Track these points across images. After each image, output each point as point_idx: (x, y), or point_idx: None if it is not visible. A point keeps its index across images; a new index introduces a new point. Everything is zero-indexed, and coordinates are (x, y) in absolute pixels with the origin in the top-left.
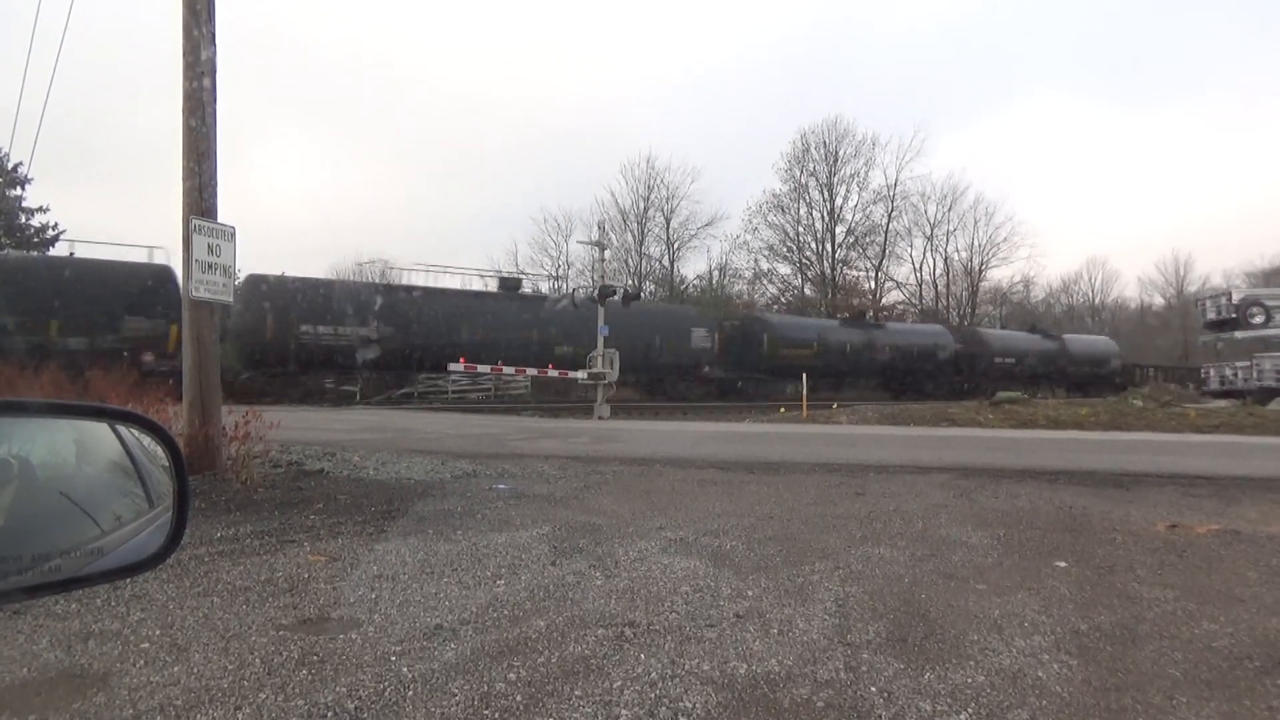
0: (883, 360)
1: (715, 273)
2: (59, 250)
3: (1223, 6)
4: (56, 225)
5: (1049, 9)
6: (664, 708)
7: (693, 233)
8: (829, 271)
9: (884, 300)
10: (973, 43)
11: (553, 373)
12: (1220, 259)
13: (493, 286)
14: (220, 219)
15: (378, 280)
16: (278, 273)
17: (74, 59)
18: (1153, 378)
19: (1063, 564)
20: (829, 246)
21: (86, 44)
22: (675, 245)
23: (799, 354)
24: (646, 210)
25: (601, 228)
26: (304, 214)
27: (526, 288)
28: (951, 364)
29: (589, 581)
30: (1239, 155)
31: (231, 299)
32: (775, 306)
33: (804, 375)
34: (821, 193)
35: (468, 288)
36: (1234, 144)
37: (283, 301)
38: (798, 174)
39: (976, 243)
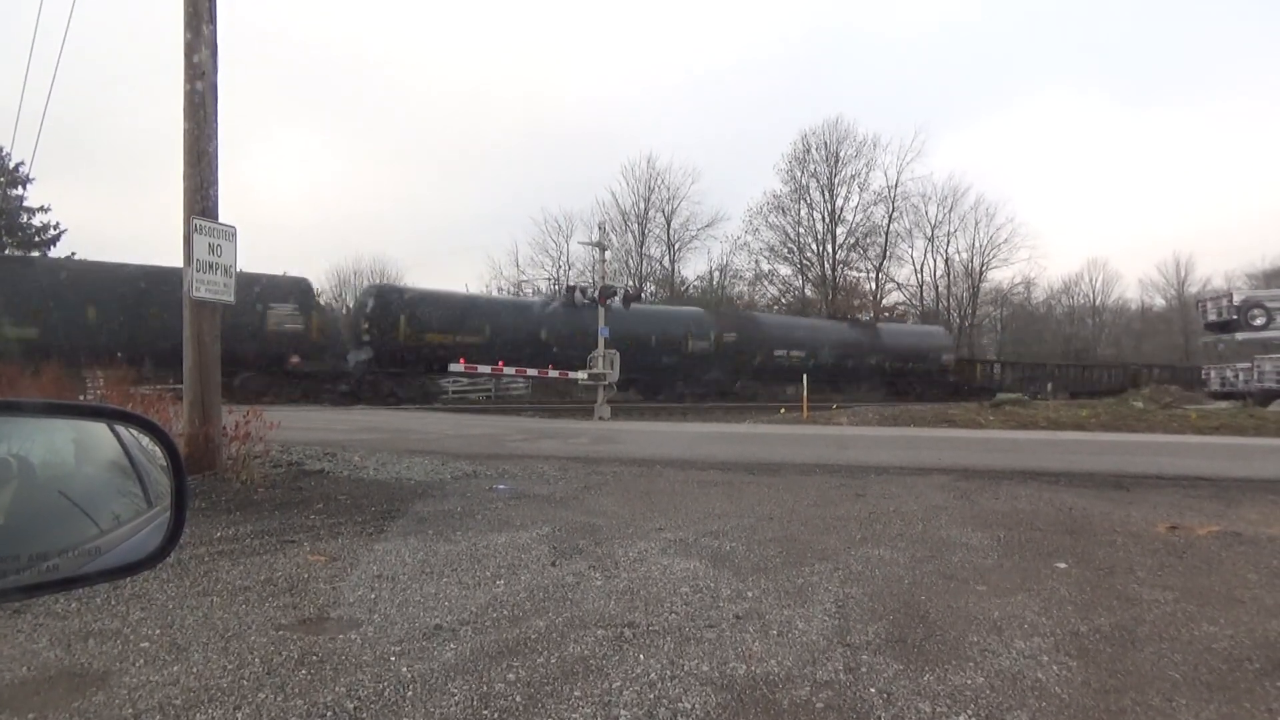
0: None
1: (716, 274)
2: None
3: (1225, 7)
4: (58, 225)
5: (1051, 8)
6: (663, 708)
7: (693, 234)
8: (829, 273)
9: (884, 301)
10: (974, 42)
11: (554, 373)
12: (1221, 261)
13: None
14: (221, 219)
15: None
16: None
17: (76, 57)
18: (999, 374)
19: (1063, 565)
20: (830, 248)
21: (89, 42)
22: (676, 246)
23: (460, 342)
24: (647, 211)
25: (602, 228)
26: (305, 213)
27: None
28: (709, 357)
29: (588, 582)
30: (1241, 156)
31: (233, 298)
32: (775, 308)
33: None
34: (822, 194)
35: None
36: (1236, 145)
37: None
38: (799, 175)
39: (977, 244)
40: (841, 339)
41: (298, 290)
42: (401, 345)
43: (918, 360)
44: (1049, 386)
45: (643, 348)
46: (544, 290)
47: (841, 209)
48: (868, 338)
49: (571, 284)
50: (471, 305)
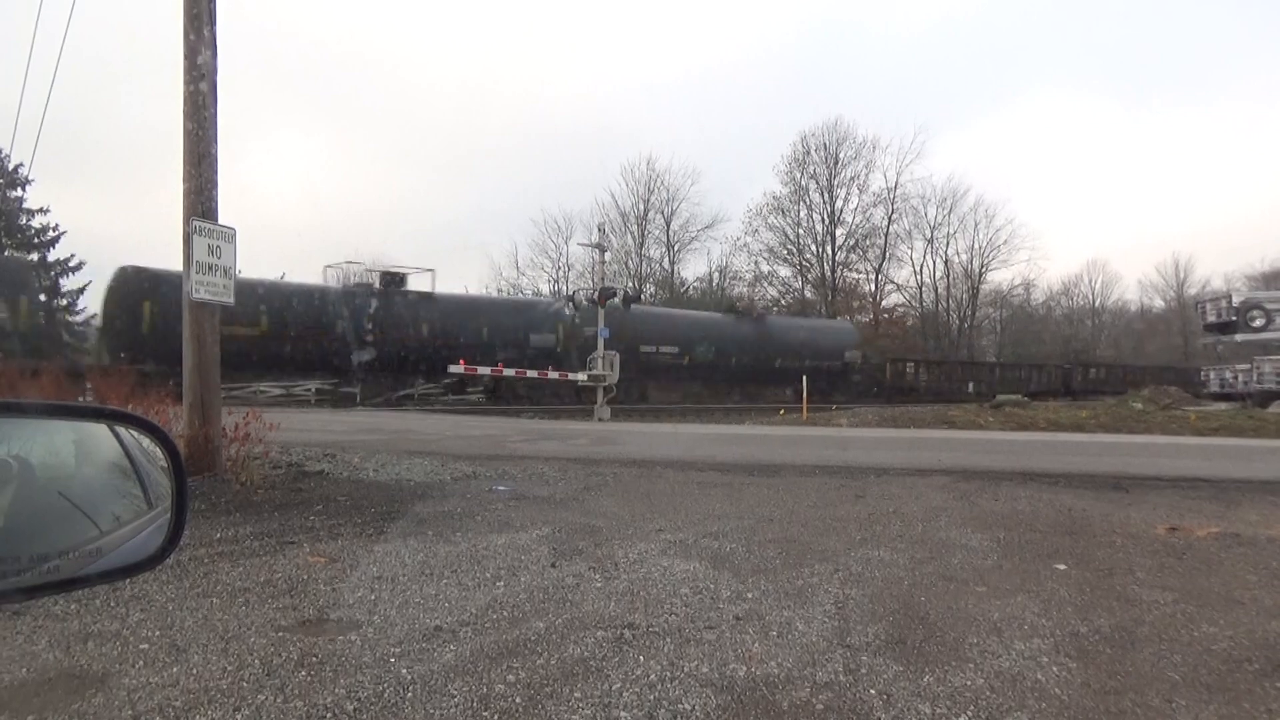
0: (431, 346)
1: (715, 275)
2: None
3: (1225, 7)
4: (57, 226)
5: (1051, 8)
6: (663, 710)
7: (693, 235)
8: (829, 274)
9: (884, 303)
10: (974, 41)
11: (553, 374)
12: (1221, 262)
13: None
14: (220, 220)
15: None
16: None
17: (75, 58)
18: (912, 375)
19: (1062, 566)
20: (829, 249)
21: (88, 43)
22: (675, 247)
23: (231, 334)
24: (647, 212)
25: (601, 230)
26: (305, 214)
27: None
28: (556, 354)
29: (588, 583)
30: (1240, 157)
31: (232, 300)
32: (776, 309)
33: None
34: (822, 195)
35: None
36: (1235, 146)
37: None
38: (798, 176)
39: (977, 245)
40: (723, 334)
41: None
42: (146, 337)
43: (817, 358)
44: (970, 387)
45: (472, 343)
46: (366, 277)
47: (841, 210)
48: (756, 332)
49: (388, 269)
50: (248, 291)
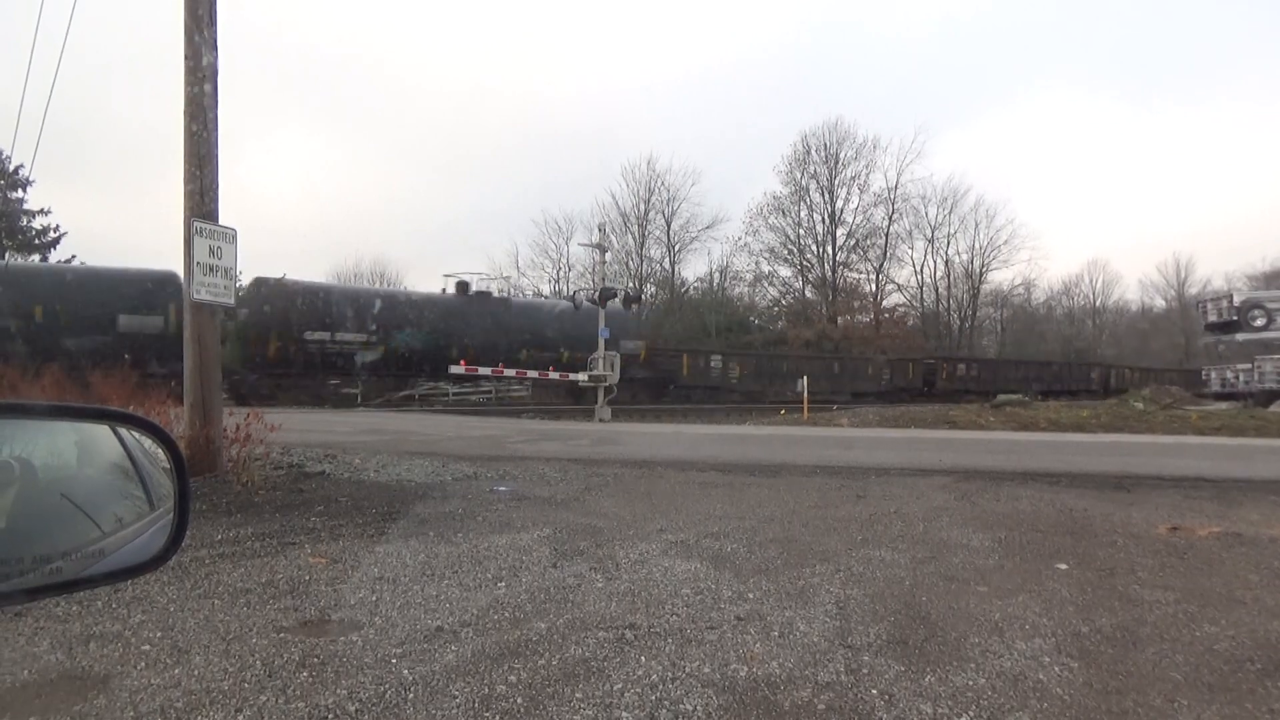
0: None
1: (716, 275)
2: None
3: (1226, 7)
4: (58, 228)
5: (1052, 7)
6: (664, 710)
7: (693, 235)
8: (830, 274)
9: (884, 303)
10: (975, 40)
11: (554, 375)
12: (1221, 261)
13: None
14: (222, 221)
15: None
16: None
17: (76, 58)
18: (718, 371)
19: (1064, 566)
20: (830, 249)
21: (90, 44)
22: (676, 248)
23: None
24: (647, 213)
25: (602, 230)
26: (307, 214)
27: None
28: (168, 340)
29: (590, 584)
30: (1241, 156)
31: (233, 301)
32: (775, 309)
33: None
34: (822, 195)
35: None
36: (1236, 145)
37: None
38: (799, 176)
39: (977, 245)
40: (443, 318)
41: None
42: None
43: (578, 348)
44: (798, 385)
45: (27, 328)
46: None
47: (841, 211)
48: (495, 316)
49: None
50: None
